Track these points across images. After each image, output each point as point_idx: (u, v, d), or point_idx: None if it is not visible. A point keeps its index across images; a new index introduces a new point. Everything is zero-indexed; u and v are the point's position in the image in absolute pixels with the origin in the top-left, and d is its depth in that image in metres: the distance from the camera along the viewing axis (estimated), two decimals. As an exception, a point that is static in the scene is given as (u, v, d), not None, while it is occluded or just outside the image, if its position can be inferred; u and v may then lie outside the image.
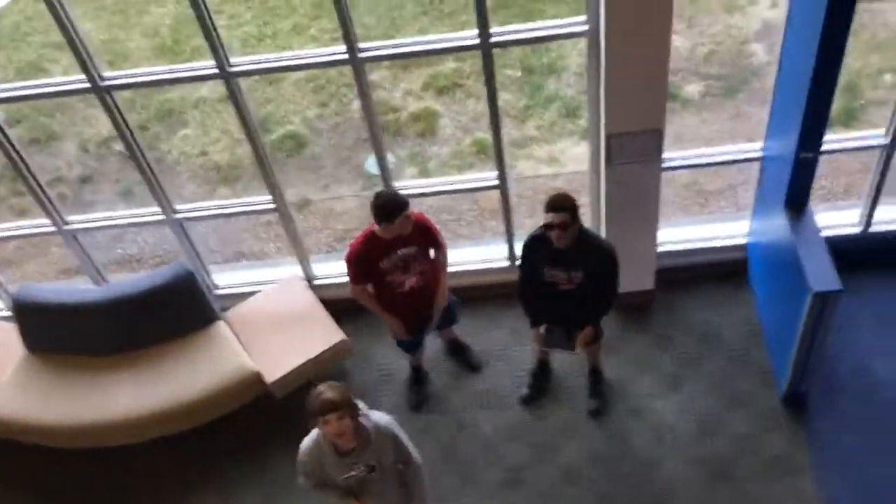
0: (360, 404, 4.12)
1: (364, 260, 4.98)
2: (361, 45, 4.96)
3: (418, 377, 5.95)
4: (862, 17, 4.49)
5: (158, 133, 8.54)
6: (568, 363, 5.84)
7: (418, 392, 5.94)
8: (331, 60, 5.15)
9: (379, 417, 4.21)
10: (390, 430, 4.23)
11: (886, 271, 6.06)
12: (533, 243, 4.92)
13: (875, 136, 5.49)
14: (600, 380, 5.78)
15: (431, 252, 5.18)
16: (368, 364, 6.15)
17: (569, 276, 4.85)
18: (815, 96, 4.60)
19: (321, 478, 4.21)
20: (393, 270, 5.03)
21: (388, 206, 4.77)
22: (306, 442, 4.18)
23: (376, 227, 4.89)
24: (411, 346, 5.62)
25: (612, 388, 5.80)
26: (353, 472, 4.12)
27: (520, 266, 5.09)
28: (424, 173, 7.66)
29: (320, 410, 3.86)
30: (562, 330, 5.15)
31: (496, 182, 5.74)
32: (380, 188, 5.38)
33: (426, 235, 5.08)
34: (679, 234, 6.22)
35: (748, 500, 5.24)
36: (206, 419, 5.72)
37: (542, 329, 5.16)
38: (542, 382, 5.85)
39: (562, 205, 4.61)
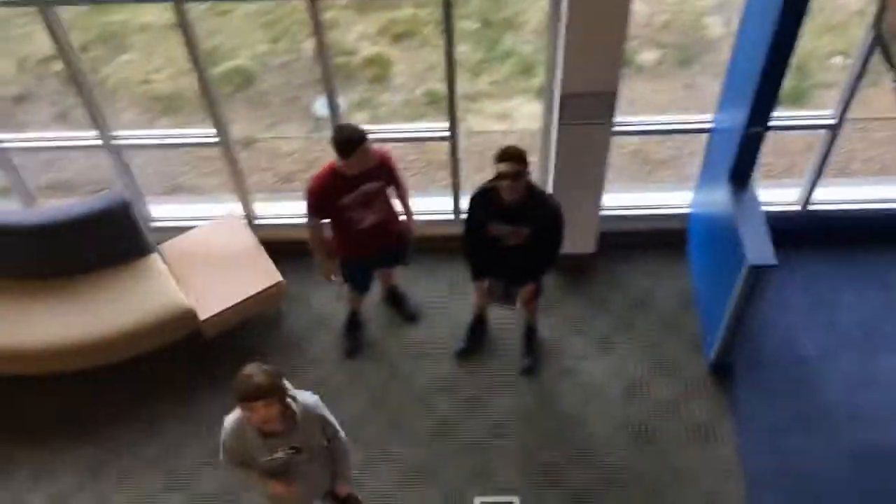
0: (287, 385, 3.96)
1: (326, 194, 4.93)
2: (319, -21, 4.83)
3: (356, 322, 5.92)
4: (819, -2, 4.58)
5: (99, 56, 8.24)
6: (505, 320, 5.87)
7: (355, 338, 5.91)
8: (286, -7, 5.00)
9: (306, 398, 4.09)
10: (317, 411, 4.13)
11: (821, 250, 6.21)
12: (480, 197, 4.90)
13: (823, 115, 5.57)
14: (534, 338, 5.82)
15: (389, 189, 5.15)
16: (304, 308, 6.09)
17: (514, 230, 4.84)
18: (768, 72, 4.64)
19: (244, 458, 4.07)
20: (354, 207, 4.98)
21: (348, 139, 4.71)
22: (229, 420, 4.03)
23: (338, 163, 4.81)
24: (363, 284, 5.58)
25: (546, 348, 5.86)
26: (278, 454, 4.01)
27: (466, 219, 5.06)
28: (374, 119, 7.54)
29: (246, 396, 3.72)
30: (502, 285, 5.16)
31: (446, 133, 5.68)
32: (327, 130, 5.27)
33: (387, 170, 5.05)
34: (623, 199, 6.26)
35: (669, 465, 5.36)
36: (132, 353, 5.60)
37: (484, 283, 5.14)
38: (478, 336, 5.87)
39: (513, 155, 4.59)
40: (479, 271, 5.20)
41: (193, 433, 5.57)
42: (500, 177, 4.62)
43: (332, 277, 5.42)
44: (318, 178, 4.96)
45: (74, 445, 5.56)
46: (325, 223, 5.14)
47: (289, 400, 3.94)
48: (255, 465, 4.09)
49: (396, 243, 5.37)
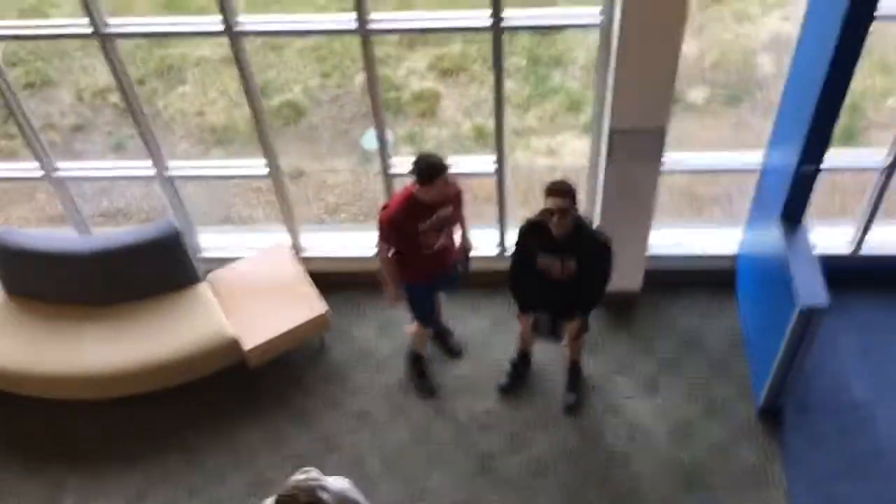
0: (315, 473, 3.75)
1: (403, 221, 4.96)
2: (371, 16, 4.89)
3: (420, 364, 5.88)
4: (872, 37, 4.48)
5: (156, 89, 8.44)
6: (548, 357, 5.82)
7: (426, 379, 5.87)
8: (339, 28, 5.09)
9: (339, 485, 3.91)
10: (350, 495, 3.96)
11: (872, 294, 6.07)
12: (529, 229, 4.90)
13: (876, 156, 5.48)
14: (579, 375, 5.76)
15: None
16: (348, 340, 6.11)
17: (563, 264, 4.83)
18: (821, 110, 4.58)
19: None
20: (429, 232, 5.03)
21: (432, 166, 4.75)
22: None
23: (416, 189, 4.84)
24: (430, 310, 5.60)
25: (590, 386, 5.79)
26: None
27: (514, 251, 5.05)
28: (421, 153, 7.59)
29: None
30: (549, 319, 5.12)
31: (493, 168, 5.69)
32: (375, 163, 5.33)
33: (457, 195, 5.11)
34: (671, 237, 6.19)
35: (715, 509, 5.25)
36: (176, 381, 5.66)
37: (530, 317, 5.11)
38: (521, 372, 5.83)
39: (561, 190, 4.60)
40: (525, 304, 5.17)
41: (234, 463, 5.59)
42: (548, 212, 4.62)
43: (395, 303, 5.44)
44: (393, 208, 4.98)
45: (120, 472, 5.60)
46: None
47: (319, 490, 3.68)
48: None
49: (454, 266, 5.41)
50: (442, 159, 4.80)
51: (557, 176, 7.27)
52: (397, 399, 5.82)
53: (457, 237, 5.35)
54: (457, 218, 5.20)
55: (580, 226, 4.76)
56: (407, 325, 5.83)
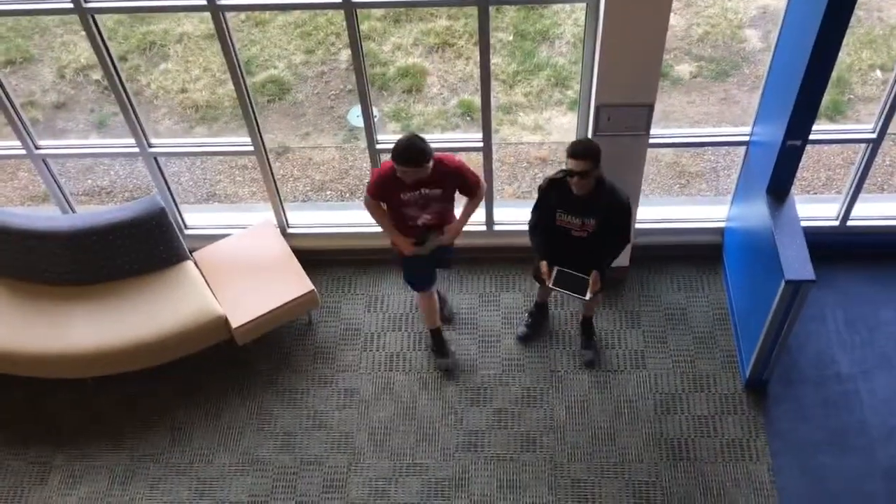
0: None
1: (384, 186, 4.97)
2: (356, -11, 4.84)
3: (440, 339, 5.81)
4: (859, 11, 4.46)
5: (138, 65, 8.35)
6: (536, 336, 5.83)
7: (447, 353, 5.83)
8: (324, 3, 5.03)
9: None
10: None
11: (858, 266, 6.11)
12: (550, 186, 4.92)
13: (862, 129, 5.49)
14: (593, 332, 5.84)
15: (457, 195, 5.14)
16: (335, 318, 6.10)
17: (582, 222, 4.89)
18: (808, 84, 4.58)
19: None
20: (411, 204, 5.02)
21: (402, 152, 4.69)
22: None
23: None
24: (427, 279, 5.50)
25: (578, 361, 5.82)
26: None
27: (534, 207, 5.08)
28: (407, 130, 7.56)
29: None
30: (575, 275, 5.02)
31: (480, 144, 5.67)
32: (360, 141, 5.29)
33: (459, 181, 5.04)
34: (658, 212, 6.20)
35: (702, 482, 5.29)
36: (165, 359, 5.64)
37: (553, 270, 5.04)
38: (539, 321, 5.91)
39: (584, 152, 4.63)
40: (545, 253, 5.09)
41: (223, 441, 5.59)
42: (569, 173, 4.66)
43: (409, 251, 5.29)
44: (380, 170, 5.01)
45: (107, 450, 5.60)
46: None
47: None
48: None
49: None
50: (420, 150, 4.69)
51: (544, 152, 7.34)
52: (384, 376, 5.83)
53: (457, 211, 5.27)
54: (448, 200, 5.12)
55: (600, 185, 4.79)
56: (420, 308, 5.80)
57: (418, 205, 5.03)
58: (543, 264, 5.06)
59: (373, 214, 5.24)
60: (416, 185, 4.91)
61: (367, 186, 5.13)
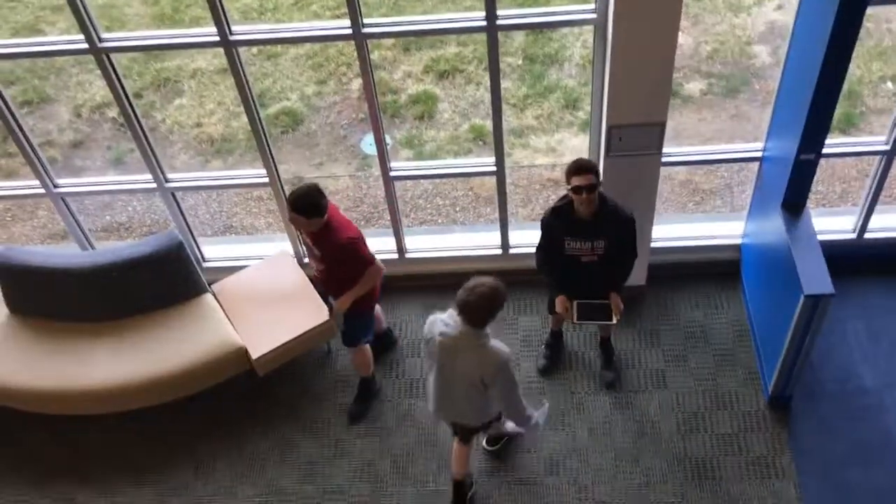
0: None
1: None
2: (366, 20, 4.90)
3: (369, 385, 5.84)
4: (868, 23, 4.48)
5: (153, 102, 8.46)
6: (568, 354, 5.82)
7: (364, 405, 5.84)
8: (334, 34, 5.09)
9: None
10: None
11: (877, 279, 6.07)
12: (554, 215, 4.91)
13: (876, 142, 5.47)
14: (612, 352, 5.83)
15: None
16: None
17: (592, 246, 4.87)
18: (819, 98, 4.58)
19: None
20: (309, 253, 5.22)
21: (294, 198, 4.79)
22: None
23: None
24: (350, 334, 5.47)
25: (599, 383, 5.79)
26: None
27: (540, 241, 5.06)
28: (420, 156, 7.61)
29: None
30: (595, 303, 5.00)
31: (493, 168, 5.69)
32: (374, 168, 5.33)
33: (339, 254, 4.97)
34: (673, 230, 6.20)
35: (729, 500, 5.23)
36: (186, 393, 5.66)
37: (573, 304, 5.03)
38: (557, 350, 5.92)
39: (589, 166, 4.65)
40: (561, 286, 5.07)
41: (246, 473, 5.59)
42: (577, 190, 4.64)
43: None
44: None
45: (130, 486, 5.60)
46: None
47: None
48: None
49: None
50: (309, 202, 4.75)
51: (557, 174, 7.36)
52: (405, 403, 5.82)
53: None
54: (331, 266, 5.09)
55: (603, 204, 4.79)
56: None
57: (312, 255, 5.16)
58: (561, 300, 5.05)
59: None
60: (308, 236, 5.00)
61: None
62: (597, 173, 4.65)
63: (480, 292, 4.13)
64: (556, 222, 4.89)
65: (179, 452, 5.72)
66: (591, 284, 5.01)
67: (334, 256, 5.01)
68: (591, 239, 4.85)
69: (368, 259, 5.07)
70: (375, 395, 5.84)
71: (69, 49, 5.19)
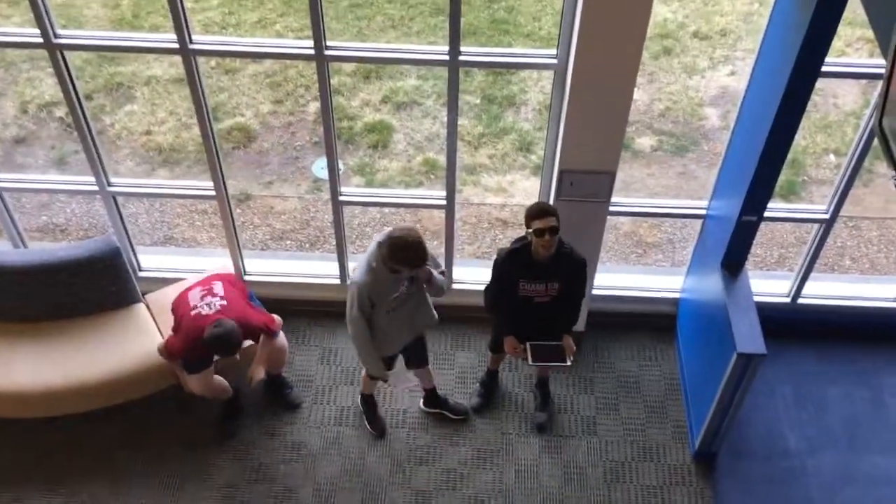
0: None
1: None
2: (329, 42, 4.89)
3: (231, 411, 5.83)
4: (816, 96, 4.63)
5: (104, 105, 8.31)
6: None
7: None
8: (297, 53, 5.07)
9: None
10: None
11: (807, 344, 6.20)
12: (509, 258, 4.91)
13: (817, 209, 5.63)
14: (549, 392, 5.82)
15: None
16: (286, 368, 6.00)
17: (546, 287, 4.88)
18: (765, 160, 4.70)
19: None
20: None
21: (214, 341, 4.89)
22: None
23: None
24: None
25: (530, 425, 5.79)
26: None
27: (492, 283, 5.06)
28: (371, 184, 7.59)
29: None
30: (549, 344, 5.03)
31: (443, 202, 5.70)
32: (324, 192, 5.29)
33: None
34: (615, 280, 6.26)
35: (648, 552, 5.25)
36: (111, 402, 5.50)
37: (526, 346, 5.05)
38: (492, 389, 5.90)
39: (550, 210, 4.68)
40: (510, 328, 5.12)
41: (163, 490, 5.42)
42: (539, 233, 4.65)
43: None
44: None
45: (42, 493, 5.40)
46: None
47: None
48: None
49: None
50: (233, 343, 4.93)
51: (506, 214, 7.40)
52: (333, 430, 5.73)
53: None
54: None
55: (560, 246, 4.81)
56: None
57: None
58: (510, 341, 5.08)
59: None
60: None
61: None
62: (557, 217, 4.68)
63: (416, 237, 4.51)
64: (513, 265, 4.89)
65: (98, 464, 5.54)
66: (543, 324, 5.03)
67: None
68: (546, 281, 4.87)
69: (257, 321, 5.24)
70: (237, 413, 5.81)
71: (23, 42, 5.09)
